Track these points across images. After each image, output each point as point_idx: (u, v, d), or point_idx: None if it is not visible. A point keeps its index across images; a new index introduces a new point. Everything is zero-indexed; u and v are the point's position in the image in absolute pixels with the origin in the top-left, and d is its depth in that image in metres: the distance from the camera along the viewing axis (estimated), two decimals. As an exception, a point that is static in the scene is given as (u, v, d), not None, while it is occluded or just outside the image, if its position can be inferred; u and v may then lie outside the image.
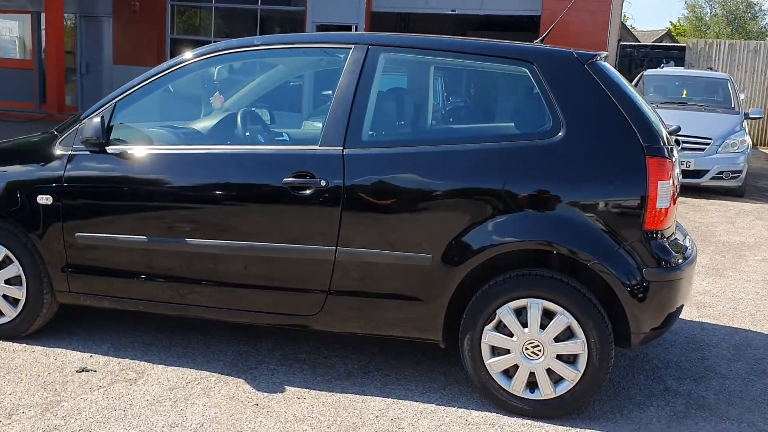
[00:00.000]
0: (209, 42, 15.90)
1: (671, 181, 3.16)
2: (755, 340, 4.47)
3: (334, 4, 14.81)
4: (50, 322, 3.95)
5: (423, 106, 3.71)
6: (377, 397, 3.44)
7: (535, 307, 3.18)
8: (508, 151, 3.24)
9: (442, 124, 3.75)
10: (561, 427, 3.23)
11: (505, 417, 3.29)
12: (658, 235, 3.16)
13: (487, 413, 3.32)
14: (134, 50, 15.70)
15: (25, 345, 3.87)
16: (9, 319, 3.89)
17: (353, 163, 3.33)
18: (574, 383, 3.19)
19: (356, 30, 14.87)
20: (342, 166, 3.33)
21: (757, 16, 51.44)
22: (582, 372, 3.17)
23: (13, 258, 3.82)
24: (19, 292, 3.85)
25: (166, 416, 3.19)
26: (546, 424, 3.24)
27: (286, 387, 3.52)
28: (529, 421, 3.26)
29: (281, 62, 4.06)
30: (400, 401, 3.41)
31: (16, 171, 3.82)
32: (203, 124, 4.05)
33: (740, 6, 50.76)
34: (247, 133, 3.81)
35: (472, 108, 3.76)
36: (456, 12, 14.60)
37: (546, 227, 3.17)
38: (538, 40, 4.07)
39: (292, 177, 3.36)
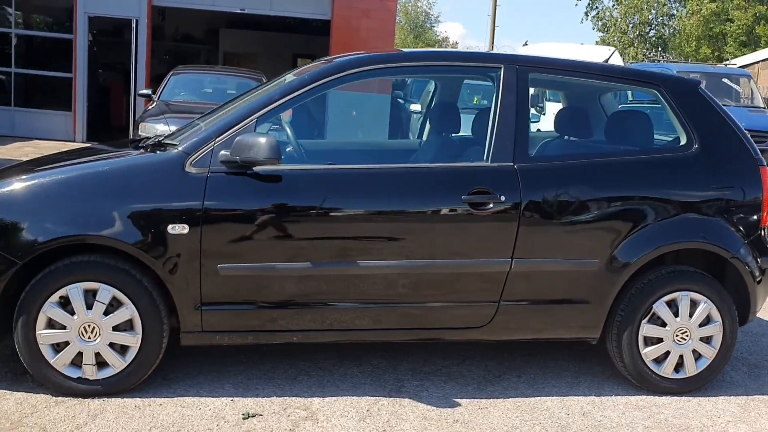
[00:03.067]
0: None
1: (770, 186, 3.88)
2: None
3: (112, -5, 13.63)
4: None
5: (575, 122, 3.96)
6: (543, 397, 3.65)
7: (685, 299, 3.67)
8: (658, 162, 3.68)
9: (596, 138, 4.04)
10: (704, 398, 3.77)
11: (657, 397, 3.74)
12: (767, 231, 3.86)
13: (641, 396, 3.73)
14: None
15: (142, 399, 3.33)
16: (117, 371, 3.31)
17: (526, 177, 3.50)
18: (711, 360, 3.75)
19: (137, 24, 13.88)
20: (517, 180, 3.48)
21: (434, 26, 57.96)
22: (717, 349, 3.75)
23: (125, 299, 3.26)
24: (133, 339, 3.29)
25: (401, 447, 3.07)
26: (693, 398, 3.76)
27: (456, 400, 3.56)
28: (678, 398, 3.75)
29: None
30: (564, 398, 3.66)
31: (136, 196, 3.23)
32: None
33: (420, 16, 56.62)
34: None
35: (616, 123, 4.10)
36: (245, 11, 14.38)
37: (697, 229, 3.67)
38: (604, 60, 4.54)
39: (472, 194, 3.42)
